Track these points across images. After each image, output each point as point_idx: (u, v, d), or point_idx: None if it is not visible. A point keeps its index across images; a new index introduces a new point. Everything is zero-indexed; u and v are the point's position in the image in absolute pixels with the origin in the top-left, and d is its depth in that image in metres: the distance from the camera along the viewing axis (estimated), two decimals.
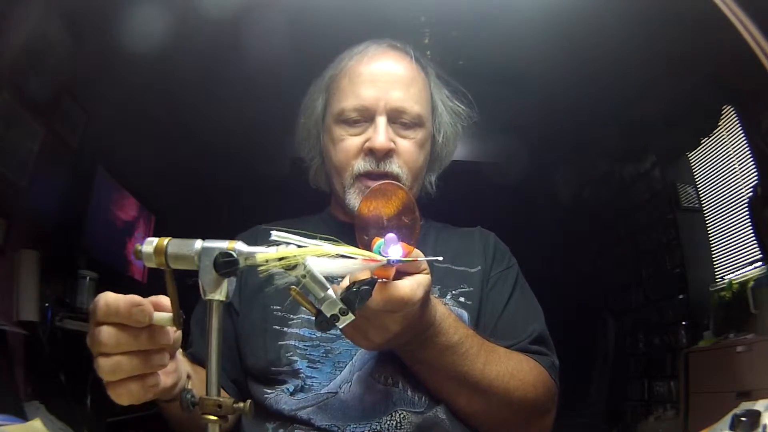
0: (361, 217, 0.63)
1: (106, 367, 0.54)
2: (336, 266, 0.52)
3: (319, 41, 1.13)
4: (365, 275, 0.55)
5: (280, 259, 0.49)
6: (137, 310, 0.53)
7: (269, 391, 0.82)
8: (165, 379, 0.59)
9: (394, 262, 0.57)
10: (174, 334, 0.58)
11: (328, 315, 0.52)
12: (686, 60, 1.75)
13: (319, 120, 0.99)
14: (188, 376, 0.66)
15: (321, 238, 0.52)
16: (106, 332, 0.53)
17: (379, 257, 0.56)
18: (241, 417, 0.82)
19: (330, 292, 0.52)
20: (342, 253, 0.53)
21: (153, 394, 0.57)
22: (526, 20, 1.62)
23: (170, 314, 0.55)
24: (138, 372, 0.55)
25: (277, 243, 0.51)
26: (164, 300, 0.55)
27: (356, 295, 0.53)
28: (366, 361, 0.80)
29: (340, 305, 0.52)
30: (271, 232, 0.51)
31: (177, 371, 0.62)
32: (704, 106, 1.91)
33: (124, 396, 0.55)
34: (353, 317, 0.53)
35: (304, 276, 0.51)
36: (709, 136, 1.92)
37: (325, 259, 0.51)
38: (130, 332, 0.54)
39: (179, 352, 0.64)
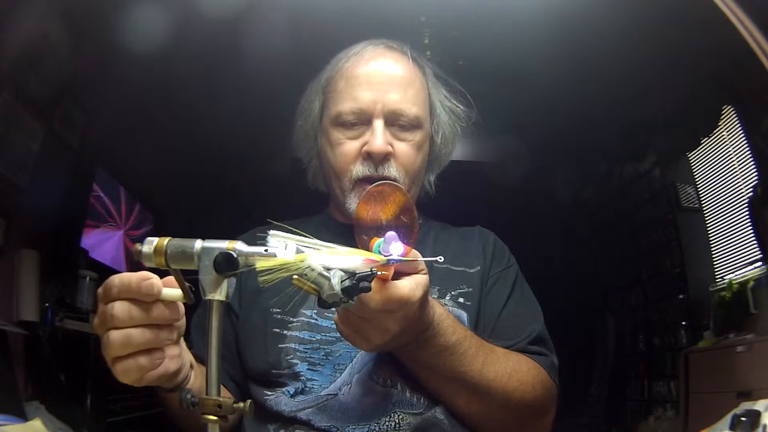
0: (359, 219, 0.63)
1: (117, 340, 0.55)
2: (335, 262, 0.53)
3: (319, 41, 1.12)
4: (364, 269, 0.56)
5: (282, 267, 0.50)
6: (147, 284, 0.55)
7: (269, 393, 0.82)
8: (169, 363, 0.60)
9: (394, 262, 0.58)
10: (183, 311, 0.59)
11: (329, 303, 0.54)
12: (686, 60, 1.75)
13: (317, 122, 0.99)
14: (191, 366, 0.67)
15: (319, 241, 0.53)
16: (119, 306, 0.55)
17: (378, 257, 0.57)
18: (242, 419, 0.82)
19: (332, 282, 0.53)
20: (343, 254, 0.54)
21: (158, 375, 0.58)
22: (526, 20, 1.62)
23: (180, 291, 0.56)
24: (148, 345, 0.56)
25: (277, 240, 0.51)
26: (174, 280, 0.57)
27: (356, 287, 0.54)
28: (366, 363, 0.80)
29: (341, 296, 0.54)
30: (268, 232, 0.52)
31: (181, 357, 0.63)
32: (704, 106, 1.91)
33: (132, 370, 0.56)
34: (352, 303, 0.56)
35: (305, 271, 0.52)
36: (709, 136, 1.93)
37: (325, 255, 0.53)
38: (142, 306, 0.55)
39: (182, 342, 0.65)
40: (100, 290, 0.57)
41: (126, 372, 0.56)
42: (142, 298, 0.55)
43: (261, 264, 0.50)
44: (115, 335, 0.55)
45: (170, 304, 0.57)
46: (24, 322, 1.38)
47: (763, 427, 0.79)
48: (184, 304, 0.58)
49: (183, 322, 0.61)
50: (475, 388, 0.74)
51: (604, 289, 2.83)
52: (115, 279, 0.56)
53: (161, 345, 0.58)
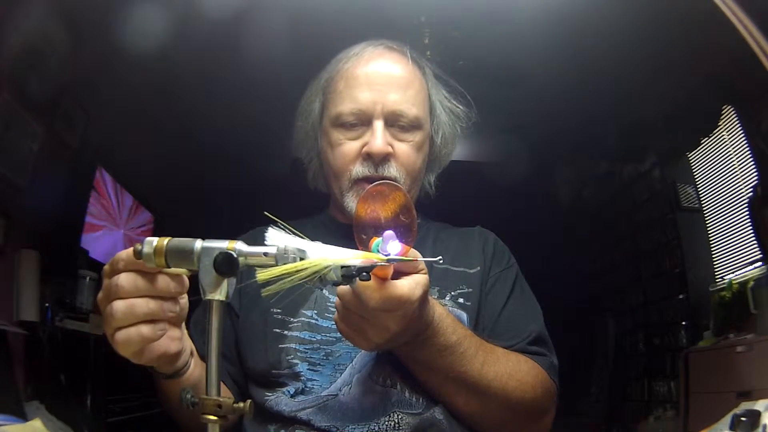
0: (358, 218, 0.63)
1: (120, 309, 0.55)
2: (335, 259, 0.54)
3: (319, 41, 1.12)
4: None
5: (283, 274, 0.50)
6: None
7: (269, 393, 0.82)
8: (170, 343, 0.60)
9: (394, 261, 0.58)
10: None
11: (329, 282, 0.55)
12: (686, 60, 1.75)
13: (317, 123, 0.99)
14: (191, 354, 0.67)
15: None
16: (125, 277, 0.56)
17: (378, 257, 0.57)
18: (242, 420, 0.82)
19: (332, 269, 0.54)
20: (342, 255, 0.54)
21: (158, 353, 0.58)
22: (526, 20, 1.62)
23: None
24: (151, 316, 0.57)
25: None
26: None
27: (354, 277, 0.55)
28: (365, 364, 0.80)
29: (341, 280, 0.55)
30: (266, 234, 0.52)
31: (182, 341, 0.63)
32: (704, 106, 1.91)
33: (133, 340, 0.56)
34: (353, 284, 0.58)
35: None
36: (709, 136, 1.92)
37: (325, 251, 0.53)
38: (147, 277, 0.56)
39: (184, 328, 0.65)
40: (106, 267, 0.58)
41: (127, 342, 0.56)
42: (147, 269, 0.56)
43: (262, 276, 0.50)
44: (118, 304, 0.55)
45: (175, 276, 0.58)
46: (24, 322, 1.38)
47: (763, 427, 0.79)
48: (189, 277, 0.59)
49: (186, 301, 0.61)
50: (475, 387, 0.75)
51: (604, 289, 2.83)
52: (122, 253, 0.57)
53: (164, 317, 0.58)
